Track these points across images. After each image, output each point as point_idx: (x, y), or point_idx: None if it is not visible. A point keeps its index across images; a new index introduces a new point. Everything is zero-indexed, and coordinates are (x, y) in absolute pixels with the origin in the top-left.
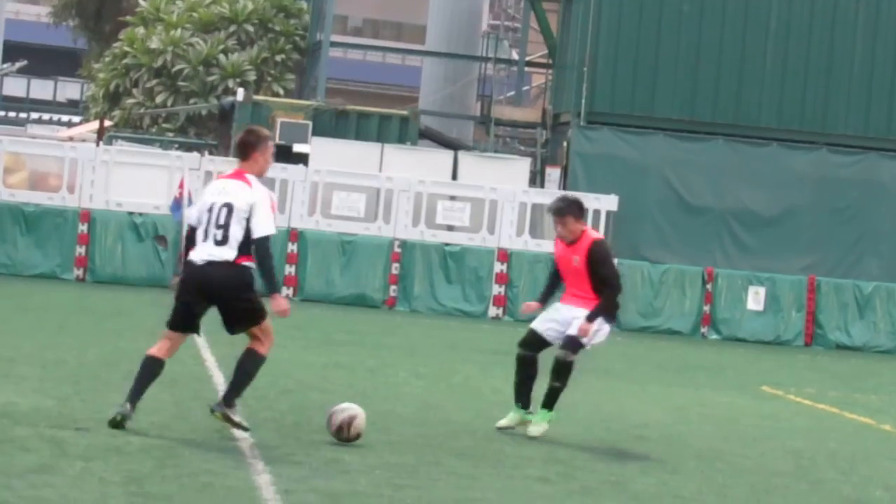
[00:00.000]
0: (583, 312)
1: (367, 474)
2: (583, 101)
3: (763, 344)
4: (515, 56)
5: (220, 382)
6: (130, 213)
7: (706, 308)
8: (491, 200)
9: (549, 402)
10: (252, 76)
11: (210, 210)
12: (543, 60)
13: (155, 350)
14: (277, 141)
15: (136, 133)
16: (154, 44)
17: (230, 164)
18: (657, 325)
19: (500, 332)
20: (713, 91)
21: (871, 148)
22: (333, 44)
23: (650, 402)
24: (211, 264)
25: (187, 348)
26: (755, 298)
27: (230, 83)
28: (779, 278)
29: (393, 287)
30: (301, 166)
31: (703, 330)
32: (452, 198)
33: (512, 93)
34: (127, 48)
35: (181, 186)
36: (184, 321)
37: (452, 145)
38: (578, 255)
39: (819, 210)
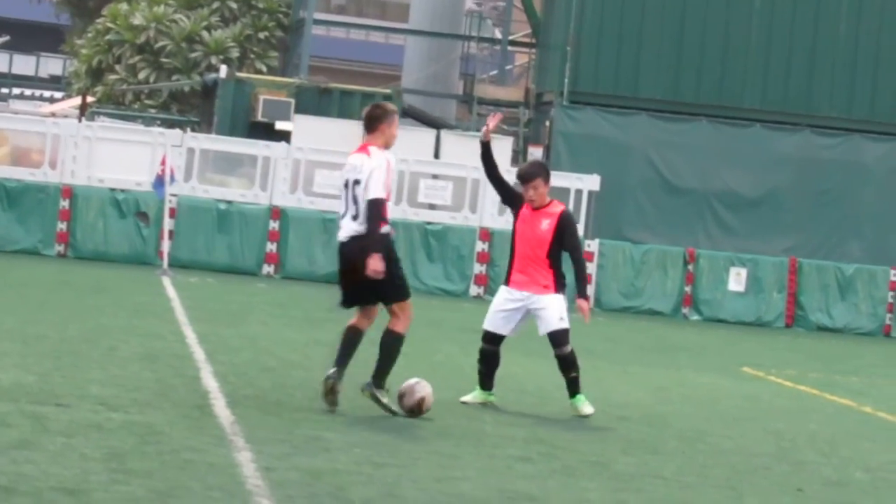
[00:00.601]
0: (545, 300)
1: (347, 452)
2: (566, 80)
3: (744, 325)
4: (499, 35)
5: (201, 359)
6: (112, 190)
7: (687, 289)
8: (473, 179)
9: (575, 389)
10: (235, 53)
11: (346, 187)
12: (527, 40)
13: (353, 321)
14: (259, 118)
15: (118, 109)
16: (137, 20)
17: (213, 141)
18: (638, 306)
19: (482, 312)
20: (697, 72)
21: (855, 130)
22: (317, 21)
23: (631, 382)
24: (353, 239)
25: (168, 324)
26: (737, 279)
27: (213, 60)
28: (760, 259)
29: None
30: (283, 144)
31: (685, 311)
32: (435, 176)
33: (495, 72)
34: (110, 24)
35: (163, 163)
36: (351, 299)
37: (435, 124)
38: (549, 219)
39: (802, 192)
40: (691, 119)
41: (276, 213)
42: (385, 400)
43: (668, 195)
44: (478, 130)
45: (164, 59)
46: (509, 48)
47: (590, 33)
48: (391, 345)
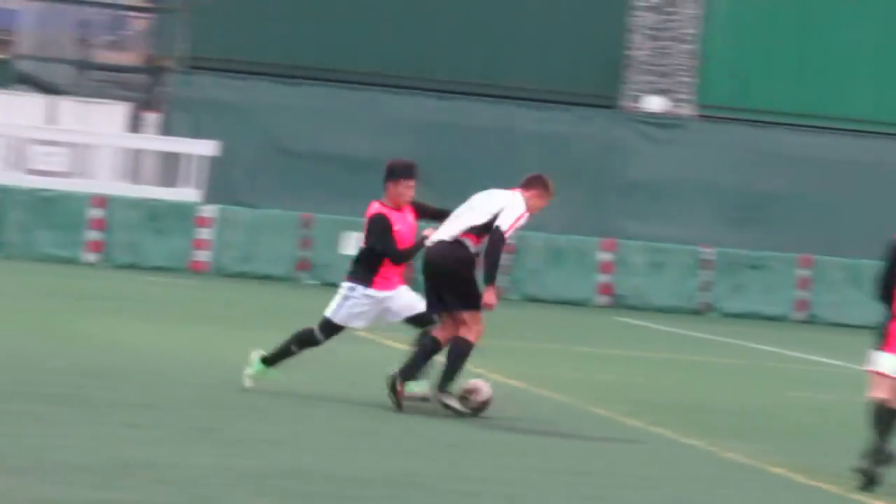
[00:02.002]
0: (402, 291)
1: None
2: (184, 45)
3: None
4: None
5: None
6: None
7: (304, 253)
8: (88, 145)
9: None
10: None
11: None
12: (145, 4)
13: (436, 331)
14: None
15: None
16: None
17: None
18: (254, 270)
19: (96, 278)
20: (316, 36)
21: (467, 93)
22: None
23: (245, 346)
24: (438, 243)
25: None
26: (350, 242)
27: None
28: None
29: None
30: None
31: (299, 274)
32: (49, 143)
33: (113, 36)
34: None
35: None
36: (433, 306)
37: (50, 89)
38: (411, 214)
39: (419, 156)
40: (310, 83)
41: None
42: (452, 403)
43: (286, 159)
44: (95, 96)
45: None
46: (127, 13)
47: None
48: (460, 351)
